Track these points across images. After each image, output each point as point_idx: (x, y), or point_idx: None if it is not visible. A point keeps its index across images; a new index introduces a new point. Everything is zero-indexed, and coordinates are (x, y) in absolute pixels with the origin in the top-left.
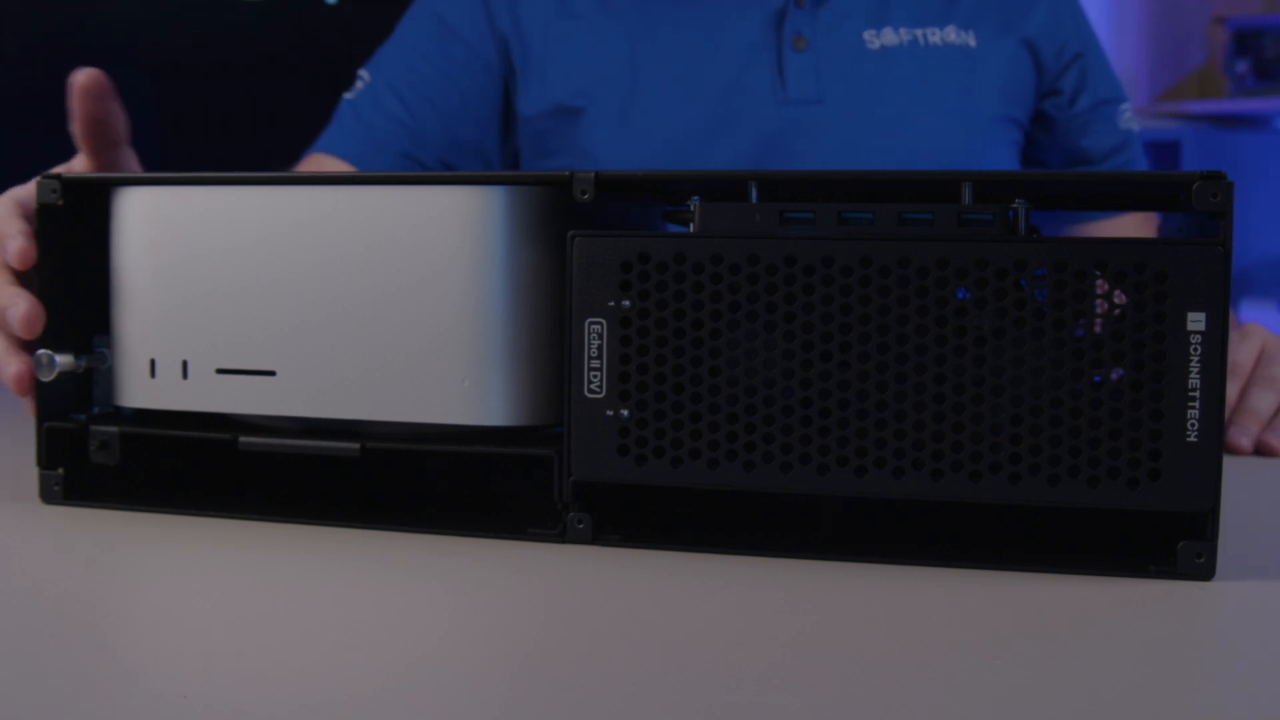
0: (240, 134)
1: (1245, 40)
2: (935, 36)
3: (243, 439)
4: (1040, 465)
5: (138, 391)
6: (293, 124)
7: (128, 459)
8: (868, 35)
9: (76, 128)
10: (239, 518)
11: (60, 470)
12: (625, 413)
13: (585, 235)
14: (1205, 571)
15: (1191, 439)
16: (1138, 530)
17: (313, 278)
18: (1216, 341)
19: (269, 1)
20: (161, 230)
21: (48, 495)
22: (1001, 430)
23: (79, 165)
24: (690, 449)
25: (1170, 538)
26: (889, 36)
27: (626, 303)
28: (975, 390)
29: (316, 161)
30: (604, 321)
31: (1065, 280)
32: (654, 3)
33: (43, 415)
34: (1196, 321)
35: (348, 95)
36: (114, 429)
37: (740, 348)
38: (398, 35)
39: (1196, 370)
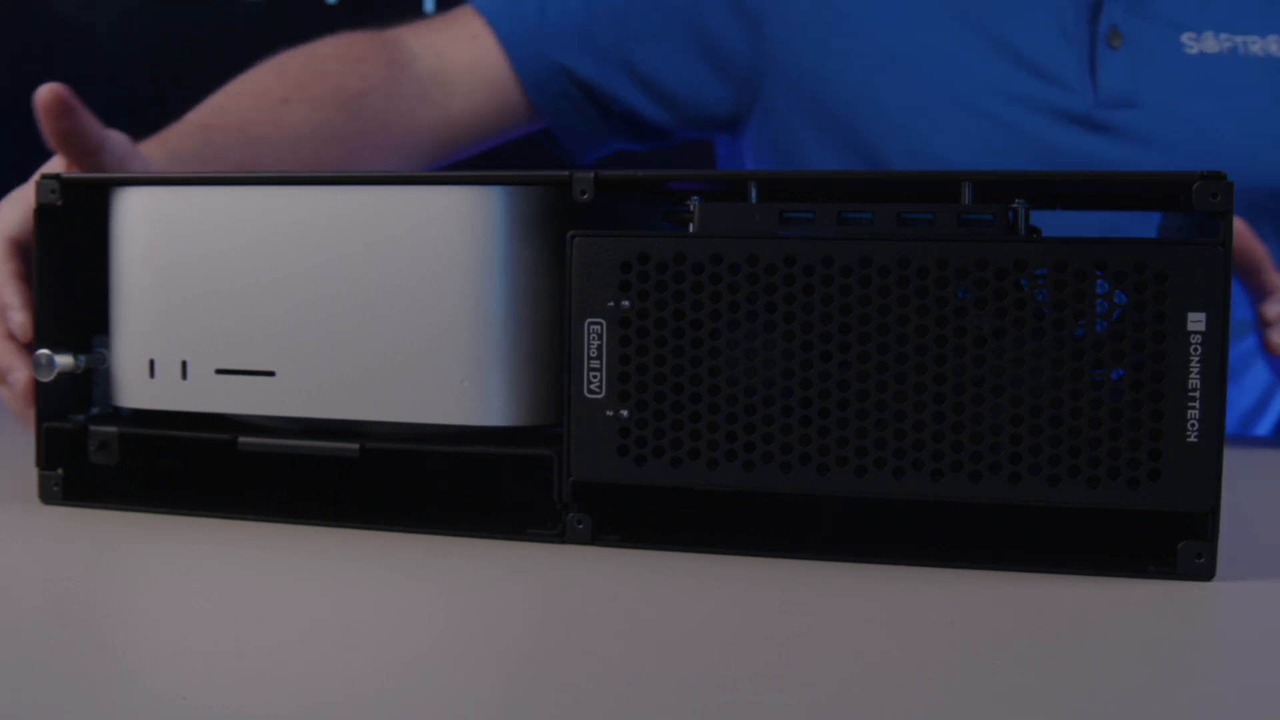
0: None
1: None
2: (1256, 45)
3: (242, 439)
4: (1040, 465)
5: (137, 392)
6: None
7: (127, 459)
8: (1186, 38)
9: (50, 143)
10: (238, 518)
11: (59, 471)
12: (625, 413)
13: (585, 235)
14: (1205, 572)
15: (1191, 439)
16: (1137, 530)
17: (312, 278)
18: (1216, 341)
19: (269, 1)
20: (160, 230)
21: (47, 496)
22: (1001, 430)
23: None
24: (690, 449)
25: (1170, 538)
26: (1209, 42)
27: (626, 303)
28: (975, 390)
29: (466, 18)
30: (604, 321)
31: (1065, 280)
32: None
33: (42, 416)
34: (1196, 321)
35: None
36: (113, 429)
37: (740, 348)
38: None
39: (1197, 370)
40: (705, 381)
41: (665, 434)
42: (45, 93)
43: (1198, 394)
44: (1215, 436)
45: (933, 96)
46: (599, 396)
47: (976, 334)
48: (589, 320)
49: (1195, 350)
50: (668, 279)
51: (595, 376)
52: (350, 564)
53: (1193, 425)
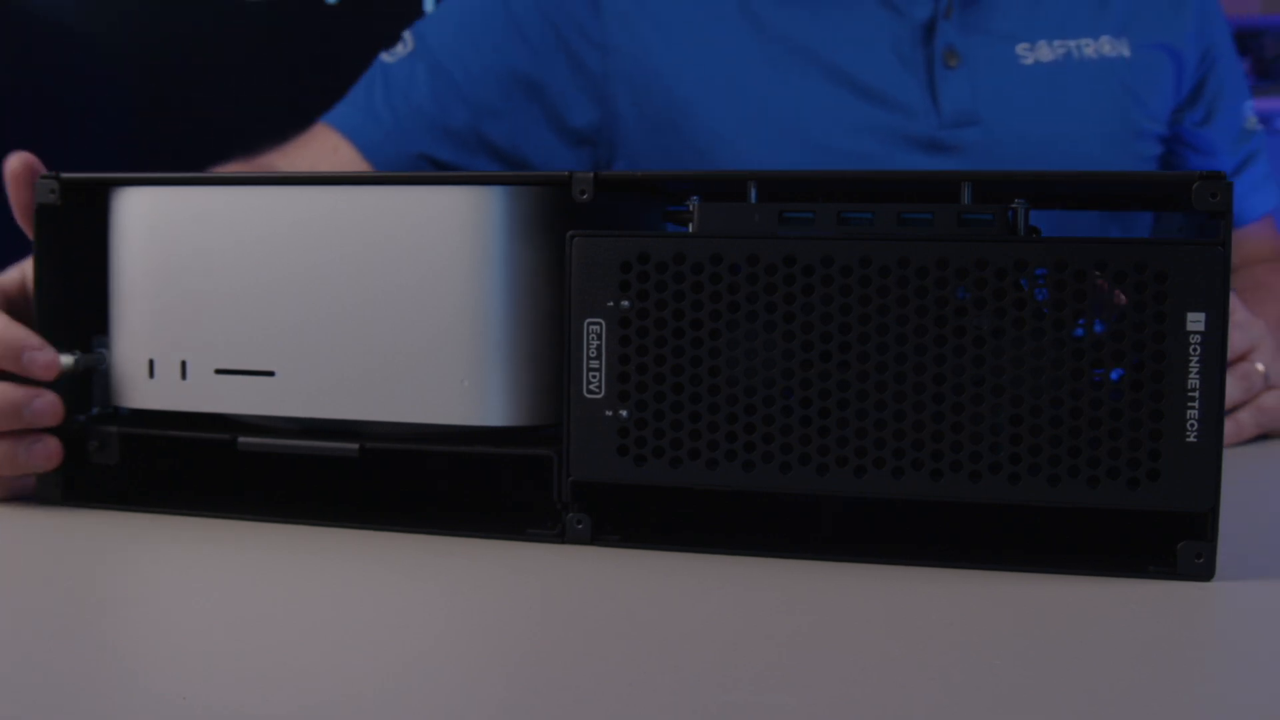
0: (240, 134)
1: (1245, 40)
2: (1090, 48)
3: (241, 439)
4: (1040, 465)
5: (136, 392)
6: (292, 123)
7: (126, 459)
8: (1021, 49)
9: (18, 215)
10: (238, 518)
11: (58, 471)
12: (624, 413)
13: (584, 235)
14: (1205, 572)
15: (1191, 439)
16: (1137, 530)
17: (311, 278)
18: (1216, 341)
19: (269, 1)
20: (160, 230)
21: (46, 496)
22: (1001, 430)
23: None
24: (690, 449)
25: (1170, 538)
26: (1043, 50)
27: (626, 303)
28: (975, 390)
29: (323, 136)
30: (603, 322)
31: (1065, 280)
32: (787, 6)
33: None
34: (1196, 322)
35: (385, 57)
36: (113, 429)
37: (740, 348)
38: (456, 7)
39: (1196, 370)
40: (705, 381)
41: (665, 434)
42: (15, 161)
43: (1197, 394)
44: (1215, 436)
45: (783, 135)
46: (598, 396)
47: (976, 334)
48: (588, 320)
49: (1195, 350)
50: (668, 279)
51: (595, 376)
52: (350, 564)
53: (1192, 425)
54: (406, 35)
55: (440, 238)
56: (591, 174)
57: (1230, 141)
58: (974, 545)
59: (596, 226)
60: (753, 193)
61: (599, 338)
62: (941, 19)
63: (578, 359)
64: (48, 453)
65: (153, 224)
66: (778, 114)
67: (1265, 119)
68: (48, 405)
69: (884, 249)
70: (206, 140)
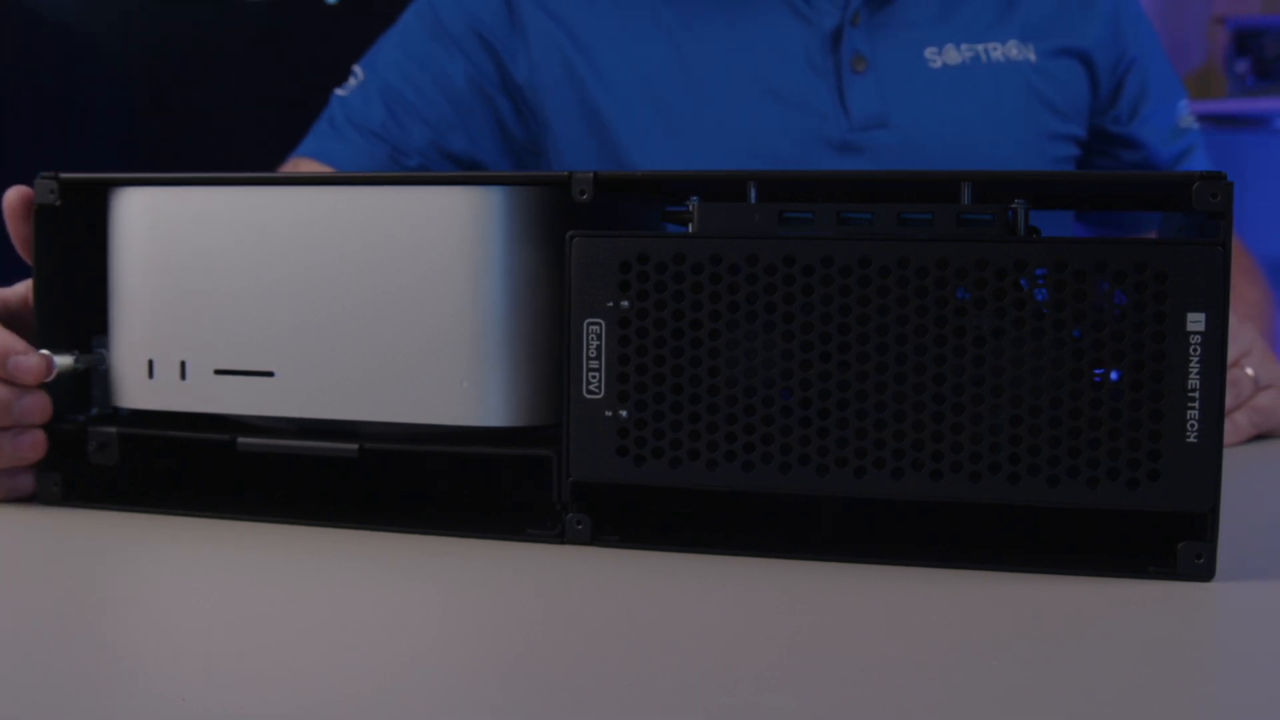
0: (240, 134)
1: (1245, 40)
2: (997, 52)
3: (241, 440)
4: (1040, 466)
5: (136, 392)
6: (292, 124)
7: (126, 460)
8: (929, 53)
9: (18, 246)
10: (237, 518)
11: (58, 472)
12: (624, 413)
13: (584, 235)
14: (1205, 572)
15: (1191, 439)
16: (1137, 531)
17: (311, 278)
18: (1216, 342)
19: (269, 1)
20: (159, 231)
21: (46, 496)
22: (1001, 431)
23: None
24: (689, 450)
25: (1170, 538)
26: (951, 54)
27: (625, 303)
28: (974, 390)
29: (300, 165)
30: (603, 322)
31: (1065, 280)
32: (701, 17)
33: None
34: (1196, 322)
35: (339, 91)
36: (112, 430)
37: (739, 348)
38: (397, 34)
39: (1196, 370)
40: (705, 382)
41: (665, 434)
42: (14, 195)
43: (1197, 394)
44: (1215, 437)
45: (702, 141)
46: (598, 397)
47: (976, 334)
48: (588, 320)
49: (1195, 350)
50: (667, 279)
51: (594, 377)
52: (349, 564)
53: (1192, 425)
54: (356, 68)
55: (439, 238)
56: (591, 174)
57: (1162, 139)
58: (974, 545)
59: (596, 227)
60: (752, 193)
61: (599, 338)
62: (849, 26)
63: (577, 359)
64: (34, 443)
65: (152, 224)
66: (697, 122)
67: (1265, 119)
68: (35, 403)
69: (884, 249)
70: (206, 140)
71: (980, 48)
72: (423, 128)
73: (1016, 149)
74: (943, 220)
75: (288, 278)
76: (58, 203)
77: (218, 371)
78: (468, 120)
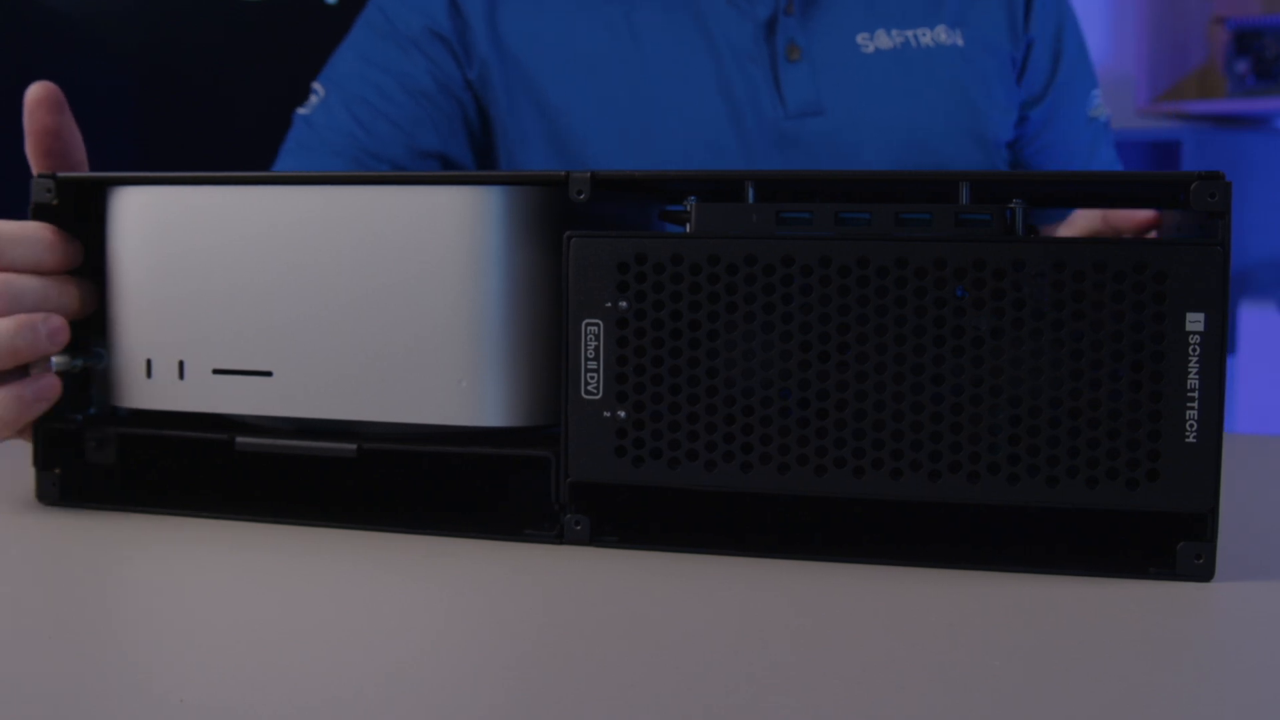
0: (239, 133)
1: (1245, 40)
2: (926, 37)
3: (240, 439)
4: (1039, 466)
5: (134, 392)
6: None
7: (124, 459)
8: (861, 39)
9: (30, 145)
10: (237, 518)
11: (57, 470)
12: (623, 414)
13: (582, 236)
14: (1204, 573)
15: (1190, 440)
16: (1138, 531)
17: (308, 278)
18: (1215, 342)
19: (269, 1)
20: (156, 230)
21: (44, 495)
22: (1000, 431)
23: None
24: (687, 450)
25: (1170, 538)
26: (882, 39)
27: (623, 304)
28: (974, 391)
29: None
30: (601, 322)
31: (1064, 281)
32: (644, 8)
33: (41, 416)
34: (1196, 322)
35: (302, 111)
36: (111, 429)
37: (737, 349)
38: (350, 44)
39: (1195, 371)
40: (703, 383)
41: (663, 435)
42: (37, 87)
43: (1196, 394)
44: (1214, 437)
45: (647, 137)
46: (596, 397)
47: (975, 334)
48: (586, 321)
49: (1194, 350)
50: (665, 280)
51: (593, 377)
52: (347, 564)
53: (1191, 426)
54: (316, 85)
55: (437, 238)
56: (589, 174)
57: (1079, 127)
58: (974, 545)
59: (593, 227)
60: (750, 193)
61: (597, 338)
62: (783, 15)
63: (576, 360)
64: (51, 384)
65: (148, 224)
66: (644, 115)
67: (1265, 119)
68: (58, 326)
69: (882, 249)
70: (206, 140)
71: (910, 33)
72: (391, 129)
73: (949, 132)
74: (941, 220)
75: (285, 277)
76: (54, 202)
77: (216, 371)
78: (435, 117)
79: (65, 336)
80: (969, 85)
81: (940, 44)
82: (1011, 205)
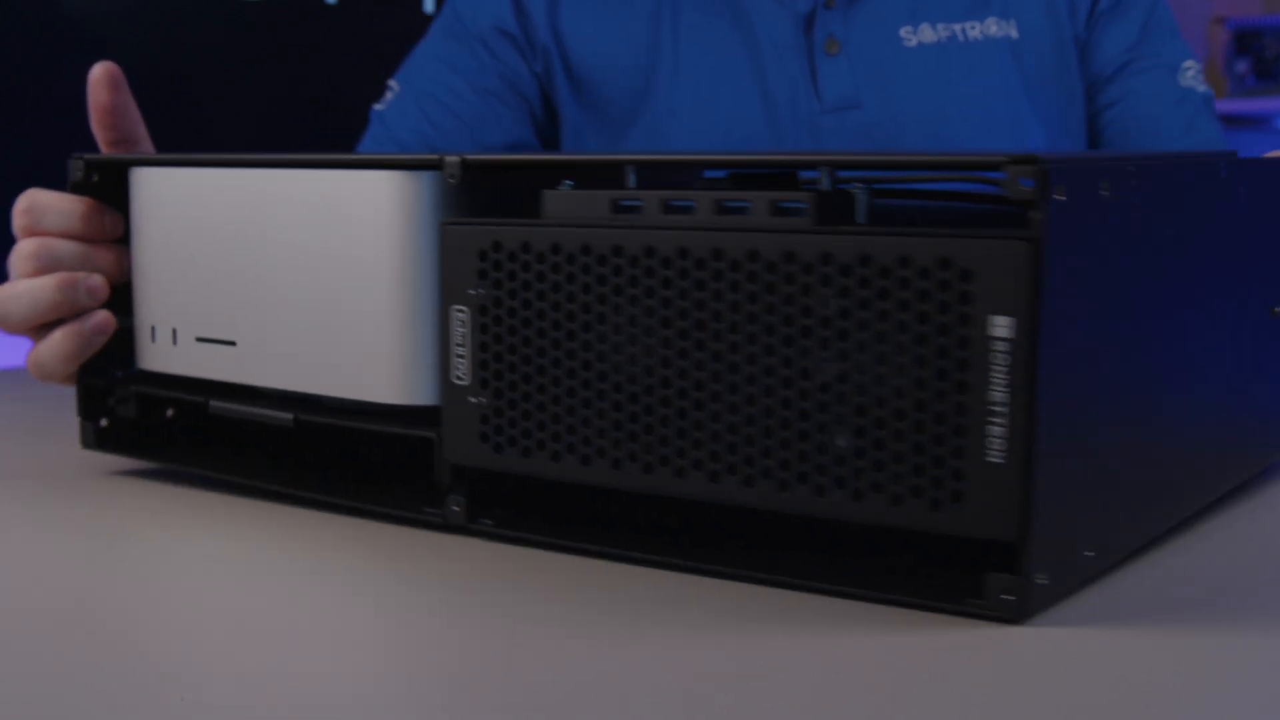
0: (240, 133)
1: (1245, 40)
2: (975, 30)
3: (213, 403)
4: (846, 479)
5: (146, 355)
6: (293, 123)
7: (144, 414)
8: (904, 33)
9: (92, 121)
10: (209, 475)
11: (98, 420)
12: (484, 400)
13: (452, 223)
14: (1014, 611)
15: (994, 459)
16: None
17: (259, 254)
18: (1026, 350)
19: (269, 1)
20: (155, 207)
21: (86, 442)
22: (809, 439)
23: None
24: (537, 440)
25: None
26: (926, 33)
27: (484, 291)
28: (784, 394)
29: None
30: (467, 309)
31: (870, 277)
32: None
33: (84, 372)
34: (1002, 327)
35: (377, 106)
36: (130, 387)
37: (582, 339)
38: (425, 43)
39: (1003, 383)
40: (550, 373)
41: (518, 424)
42: (98, 67)
43: (1004, 409)
44: (1023, 457)
45: (694, 135)
46: (465, 383)
47: (785, 334)
48: (454, 307)
49: (1000, 360)
50: (518, 268)
51: (461, 363)
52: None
53: (996, 444)
54: (391, 82)
55: (342, 220)
56: (459, 158)
57: (1167, 102)
58: (809, 556)
59: (506, 214)
60: (631, 177)
61: (464, 325)
62: (822, 9)
63: (447, 345)
64: (104, 318)
65: (151, 201)
66: (684, 108)
67: (1265, 119)
68: (97, 284)
69: (701, 239)
70: (206, 140)
71: (957, 27)
72: (458, 125)
73: (999, 126)
74: (758, 208)
75: (244, 252)
76: (92, 179)
77: (198, 339)
78: (502, 114)
79: (104, 294)
80: (1019, 77)
81: (990, 37)
82: (853, 187)
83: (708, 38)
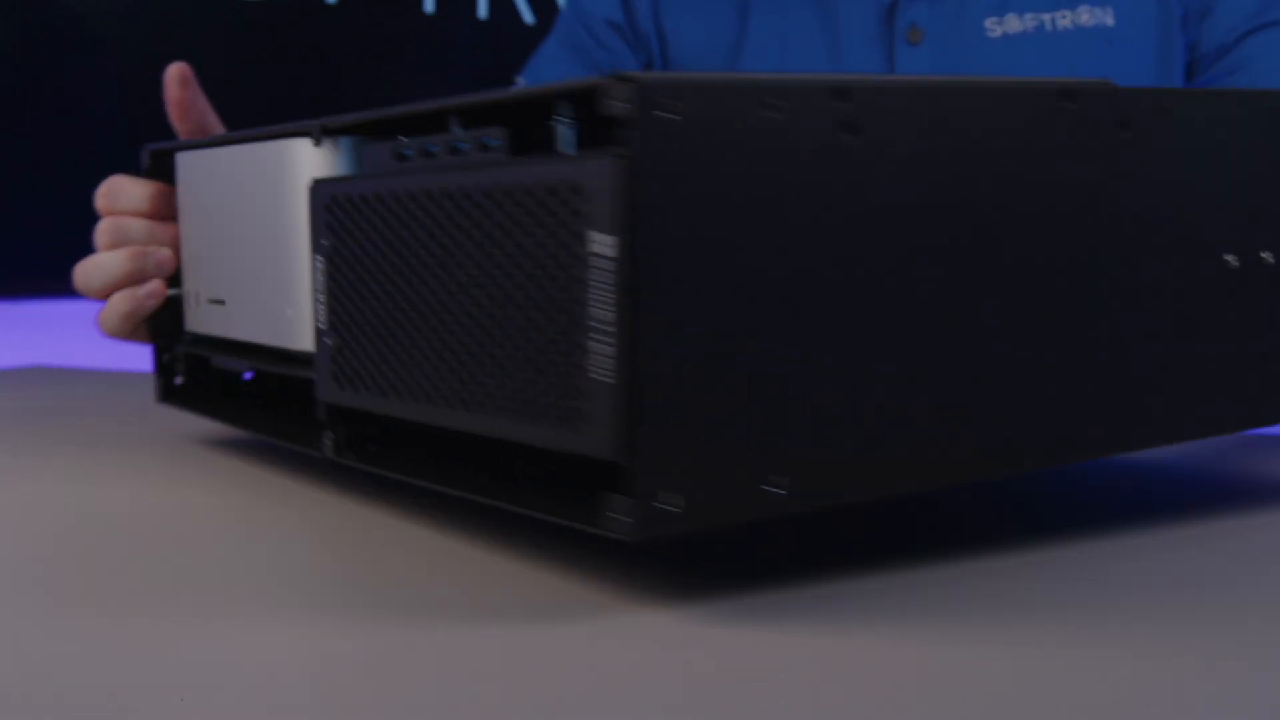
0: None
1: None
2: (1066, 19)
3: (215, 359)
4: (482, 397)
5: (189, 318)
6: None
7: (192, 373)
8: (989, 23)
9: (169, 113)
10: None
11: (169, 377)
12: (333, 342)
13: (317, 181)
14: (630, 531)
15: (599, 377)
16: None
17: (227, 220)
18: (630, 269)
19: (269, 1)
20: (186, 186)
21: (160, 396)
22: (445, 355)
23: None
24: (365, 377)
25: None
26: (1012, 23)
27: (330, 242)
28: (441, 317)
29: None
30: (322, 259)
31: (495, 200)
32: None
33: (154, 334)
34: (602, 244)
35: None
36: (180, 348)
37: (387, 283)
38: (552, 36)
39: (605, 300)
40: (372, 315)
41: (352, 362)
42: (171, 67)
43: (609, 326)
44: (630, 374)
45: None
46: (324, 327)
47: (447, 266)
48: (316, 257)
49: (601, 276)
50: (347, 219)
51: (321, 309)
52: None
53: (602, 361)
54: (518, 78)
55: (266, 186)
56: (319, 123)
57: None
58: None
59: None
60: (455, 128)
61: (321, 273)
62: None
63: (313, 292)
64: (156, 286)
65: (184, 181)
66: None
67: None
68: (165, 257)
69: (429, 182)
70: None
71: (1047, 16)
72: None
73: None
74: (443, 151)
75: (221, 220)
76: (157, 166)
77: (209, 301)
78: (618, 52)
79: (171, 266)
80: (1113, 67)
81: (1081, 26)
82: (554, 119)
83: (791, 24)
